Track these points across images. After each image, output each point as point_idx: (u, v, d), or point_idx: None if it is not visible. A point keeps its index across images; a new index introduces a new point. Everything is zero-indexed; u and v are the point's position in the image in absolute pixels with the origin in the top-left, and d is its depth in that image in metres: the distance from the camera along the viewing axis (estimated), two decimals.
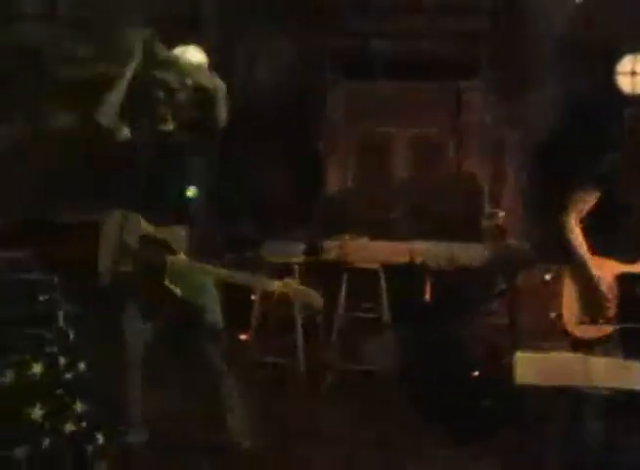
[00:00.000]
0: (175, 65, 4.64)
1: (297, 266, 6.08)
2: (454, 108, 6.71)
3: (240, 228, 5.84)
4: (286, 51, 7.72)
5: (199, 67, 4.78)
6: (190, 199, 4.56)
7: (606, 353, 4.62)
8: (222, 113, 4.60)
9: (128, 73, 4.54)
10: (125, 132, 4.59)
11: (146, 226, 4.49)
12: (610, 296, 4.62)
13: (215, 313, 4.71)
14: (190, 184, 4.57)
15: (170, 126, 4.65)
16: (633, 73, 7.36)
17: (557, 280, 4.99)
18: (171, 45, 7.48)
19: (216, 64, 7.31)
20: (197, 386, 4.94)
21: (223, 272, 4.54)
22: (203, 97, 4.60)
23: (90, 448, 3.97)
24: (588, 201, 4.70)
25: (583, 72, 7.70)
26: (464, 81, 6.63)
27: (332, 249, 6.06)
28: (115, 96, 4.53)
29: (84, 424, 3.92)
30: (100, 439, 4.33)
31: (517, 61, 7.53)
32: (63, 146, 6.75)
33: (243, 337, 6.34)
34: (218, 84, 4.61)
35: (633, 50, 7.43)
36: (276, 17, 7.67)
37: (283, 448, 5.16)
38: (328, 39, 7.65)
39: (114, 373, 4.78)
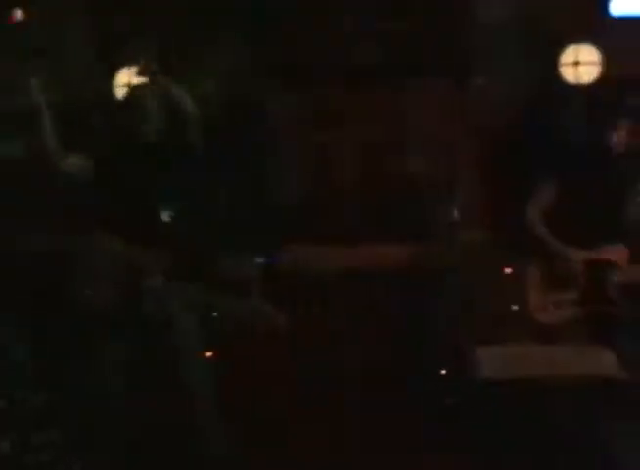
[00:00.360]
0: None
1: (254, 280, 6.08)
2: (402, 109, 6.72)
3: (197, 243, 5.80)
4: (227, 63, 7.72)
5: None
6: (167, 219, 4.55)
7: (571, 339, 4.71)
8: (195, 133, 4.61)
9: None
10: (72, 161, 4.56)
11: (123, 247, 4.47)
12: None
13: (191, 332, 4.72)
14: (167, 203, 4.55)
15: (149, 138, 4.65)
16: (576, 63, 7.40)
17: (517, 273, 5.06)
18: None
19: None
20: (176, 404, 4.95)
21: (198, 294, 4.55)
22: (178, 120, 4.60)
23: None
24: (550, 194, 4.89)
25: (528, 65, 7.75)
26: (408, 81, 6.63)
27: (288, 259, 6.06)
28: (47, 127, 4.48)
29: (49, 454, 3.91)
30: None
31: (460, 57, 7.56)
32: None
33: (208, 354, 6.32)
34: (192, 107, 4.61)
35: (576, 40, 7.47)
36: (215, 28, 7.67)
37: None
38: (269, 49, 7.65)
39: (92, 400, 4.76)
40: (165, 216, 4.48)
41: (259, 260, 6.17)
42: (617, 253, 4.82)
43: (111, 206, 4.56)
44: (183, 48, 7.36)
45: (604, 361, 4.24)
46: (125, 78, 7.42)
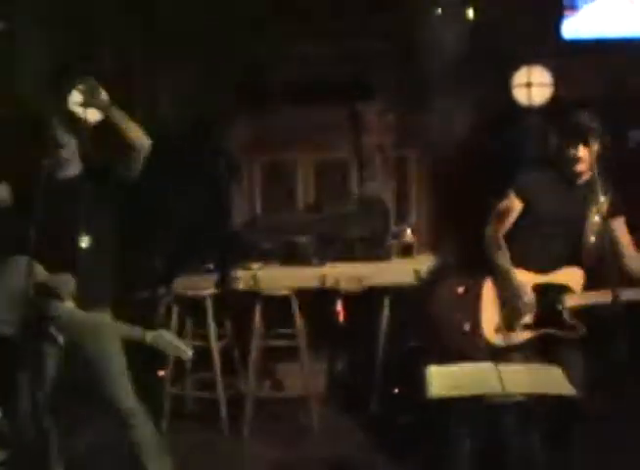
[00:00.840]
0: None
1: (209, 298, 6.07)
2: (355, 130, 6.75)
3: (150, 264, 5.77)
4: (187, 82, 7.72)
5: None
6: (82, 248, 4.52)
7: (524, 361, 4.69)
8: (138, 166, 4.58)
9: None
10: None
11: (40, 272, 4.43)
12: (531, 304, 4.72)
13: (113, 361, 4.68)
14: (85, 233, 4.53)
15: (75, 171, 4.62)
16: (528, 85, 7.48)
17: (470, 293, 5.04)
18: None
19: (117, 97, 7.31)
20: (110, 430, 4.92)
21: (103, 322, 4.54)
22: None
23: None
24: (512, 213, 4.80)
25: (480, 87, 7.81)
26: (362, 103, 6.66)
27: (243, 278, 6.05)
28: None
29: None
30: None
31: (414, 80, 7.61)
32: None
33: (160, 373, 6.29)
34: (145, 141, 4.57)
35: (527, 62, 7.54)
36: (176, 48, 7.68)
37: None
38: (229, 69, 7.66)
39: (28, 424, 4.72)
40: (84, 243, 4.47)
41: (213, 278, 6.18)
42: (571, 276, 4.76)
43: (30, 232, 4.54)
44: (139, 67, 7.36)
45: (553, 380, 4.24)
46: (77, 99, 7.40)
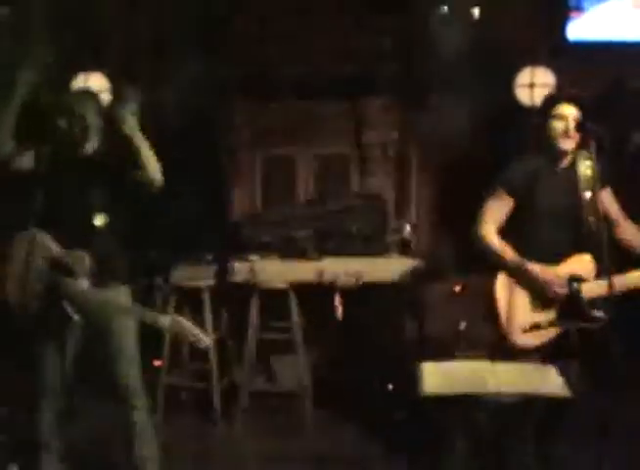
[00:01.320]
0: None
1: (206, 289, 6.09)
2: (357, 126, 6.75)
3: (149, 253, 5.78)
4: (189, 75, 7.72)
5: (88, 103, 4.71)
6: (97, 226, 4.54)
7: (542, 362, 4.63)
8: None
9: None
10: (27, 159, 4.57)
11: (54, 247, 4.47)
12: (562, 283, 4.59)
13: (126, 339, 4.70)
14: (99, 211, 4.55)
15: (89, 151, 4.64)
16: (531, 85, 7.49)
17: (466, 291, 5.02)
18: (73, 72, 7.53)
19: (119, 89, 7.33)
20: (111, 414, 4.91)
21: (118, 303, 4.55)
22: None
23: None
24: (503, 209, 4.71)
25: (484, 86, 7.82)
26: (364, 99, 6.67)
27: (241, 270, 6.06)
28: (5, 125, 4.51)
29: None
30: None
31: (417, 77, 7.62)
32: None
33: (157, 363, 6.30)
34: (159, 178, 4.58)
35: (531, 62, 7.55)
36: (179, 40, 7.68)
37: None
38: (232, 62, 7.67)
39: (31, 404, 4.72)
40: (98, 221, 4.49)
41: (212, 270, 6.19)
42: (582, 263, 4.64)
43: (47, 207, 4.60)
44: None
45: (549, 381, 4.24)
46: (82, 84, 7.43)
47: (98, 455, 5.30)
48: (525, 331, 4.63)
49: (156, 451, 4.83)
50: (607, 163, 4.59)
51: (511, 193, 4.69)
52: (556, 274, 4.59)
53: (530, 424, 4.68)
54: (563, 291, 4.58)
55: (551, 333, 4.64)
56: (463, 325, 5.56)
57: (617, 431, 4.15)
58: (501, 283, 4.69)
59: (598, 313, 4.57)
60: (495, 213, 4.74)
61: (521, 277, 4.64)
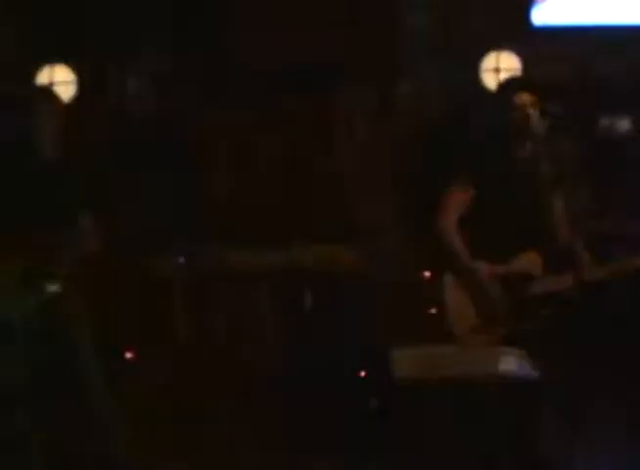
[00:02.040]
0: None
1: (179, 279, 6.08)
2: (326, 115, 6.75)
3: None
4: (162, 68, 7.72)
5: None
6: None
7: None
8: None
9: None
10: None
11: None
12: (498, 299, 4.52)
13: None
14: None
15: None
16: (497, 70, 7.51)
17: (436, 277, 4.98)
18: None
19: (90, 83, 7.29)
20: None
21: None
22: None
23: None
24: (463, 199, 4.58)
25: (449, 71, 7.84)
26: (333, 88, 6.66)
27: (216, 259, 6.06)
28: None
29: None
30: None
31: (383, 62, 7.62)
32: None
33: (128, 355, 6.29)
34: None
35: (496, 47, 7.57)
36: (153, 34, 7.66)
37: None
38: (204, 55, 7.66)
39: None
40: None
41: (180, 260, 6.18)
42: (530, 261, 4.57)
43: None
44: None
45: (516, 362, 4.27)
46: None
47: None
48: (472, 331, 4.64)
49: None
50: (574, 151, 4.60)
51: (471, 183, 4.57)
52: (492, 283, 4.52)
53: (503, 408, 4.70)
54: (496, 298, 4.51)
55: (499, 333, 4.64)
56: (433, 310, 5.54)
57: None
58: (450, 281, 4.62)
59: (545, 311, 4.60)
60: (456, 204, 4.61)
61: (467, 279, 4.55)
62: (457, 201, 4.62)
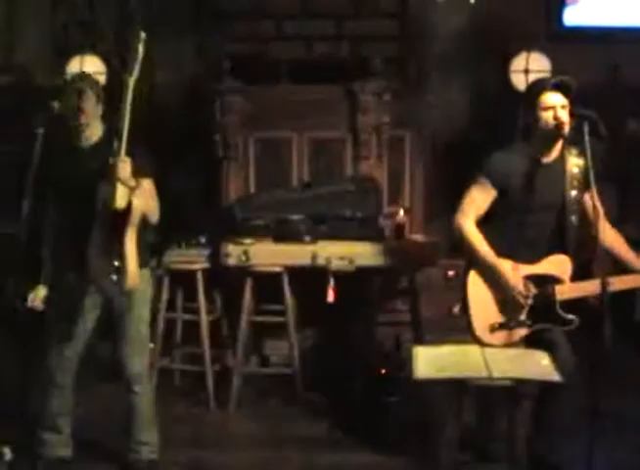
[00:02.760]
0: None
1: (199, 272, 6.08)
2: (351, 109, 6.73)
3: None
4: (184, 56, 7.73)
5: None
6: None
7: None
8: None
9: None
10: None
11: None
12: (526, 293, 4.55)
13: (139, 325, 4.81)
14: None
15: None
16: (526, 71, 7.48)
17: (460, 276, 4.98)
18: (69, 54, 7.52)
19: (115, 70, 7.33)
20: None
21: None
22: None
23: None
24: (484, 199, 4.62)
25: (479, 72, 7.83)
26: (359, 82, 6.64)
27: (235, 253, 6.04)
28: None
29: None
30: (8, 454, 4.31)
31: (412, 61, 7.62)
32: None
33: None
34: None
35: (526, 48, 7.54)
36: (174, 21, 7.68)
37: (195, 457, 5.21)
38: (226, 44, 7.67)
39: (40, 381, 4.80)
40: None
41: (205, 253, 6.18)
42: (558, 264, 4.60)
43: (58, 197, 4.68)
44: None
45: (540, 366, 4.25)
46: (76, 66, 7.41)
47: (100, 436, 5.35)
48: (492, 330, 4.62)
49: (155, 437, 4.90)
50: (602, 154, 4.55)
51: (493, 184, 4.60)
52: (523, 282, 4.55)
53: (521, 409, 4.69)
54: (523, 301, 4.56)
55: (520, 333, 4.63)
56: (456, 309, 5.51)
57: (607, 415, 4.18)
58: (473, 278, 4.67)
59: (570, 316, 4.57)
60: (476, 203, 4.64)
61: (490, 275, 4.60)
62: (476, 198, 4.65)
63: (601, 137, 4.33)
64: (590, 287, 4.49)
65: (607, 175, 4.76)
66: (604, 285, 4.16)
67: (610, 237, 4.70)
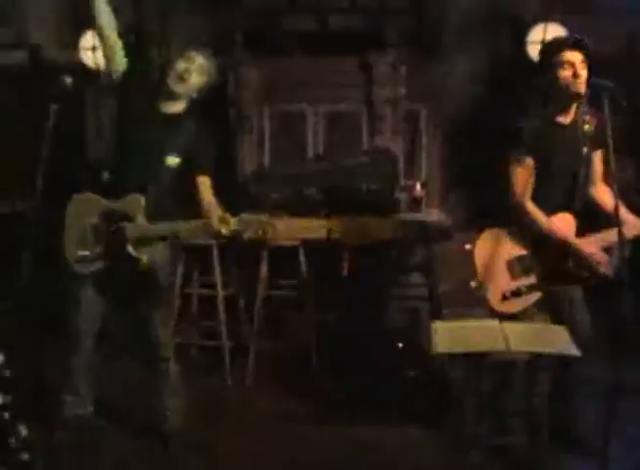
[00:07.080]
0: None
1: (215, 247, 6.06)
2: (367, 82, 6.69)
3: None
4: (197, 29, 7.68)
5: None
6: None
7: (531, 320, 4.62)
8: None
9: None
10: None
11: (104, 203, 4.58)
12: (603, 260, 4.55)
13: (165, 272, 4.81)
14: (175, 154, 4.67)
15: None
16: (543, 43, 7.40)
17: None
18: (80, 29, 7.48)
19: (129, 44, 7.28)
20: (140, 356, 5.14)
21: (176, 226, 4.57)
22: None
23: (13, 440, 3.92)
24: (529, 172, 4.64)
25: (495, 43, 7.75)
26: (374, 55, 6.60)
27: (251, 227, 6.02)
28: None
29: (7, 415, 3.87)
30: (23, 430, 4.29)
31: (428, 33, 7.55)
32: None
33: None
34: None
35: (543, 19, 7.46)
36: None
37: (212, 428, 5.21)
38: (239, 16, 7.62)
39: (66, 342, 4.82)
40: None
41: None
42: (564, 222, 4.65)
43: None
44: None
45: (558, 340, 4.22)
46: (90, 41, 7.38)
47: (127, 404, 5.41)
48: (505, 298, 4.63)
49: (183, 404, 4.96)
50: (620, 125, 4.52)
51: (529, 155, 4.62)
52: (596, 247, 4.55)
53: (539, 382, 4.68)
54: (604, 268, 4.54)
55: (532, 297, 4.64)
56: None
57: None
58: (481, 247, 4.78)
59: (579, 272, 4.58)
60: (524, 180, 4.66)
61: (558, 249, 4.60)
62: (522, 176, 4.66)
63: (620, 107, 4.27)
64: (606, 237, 4.51)
65: (625, 148, 4.72)
66: (620, 232, 4.12)
67: (601, 196, 4.77)
